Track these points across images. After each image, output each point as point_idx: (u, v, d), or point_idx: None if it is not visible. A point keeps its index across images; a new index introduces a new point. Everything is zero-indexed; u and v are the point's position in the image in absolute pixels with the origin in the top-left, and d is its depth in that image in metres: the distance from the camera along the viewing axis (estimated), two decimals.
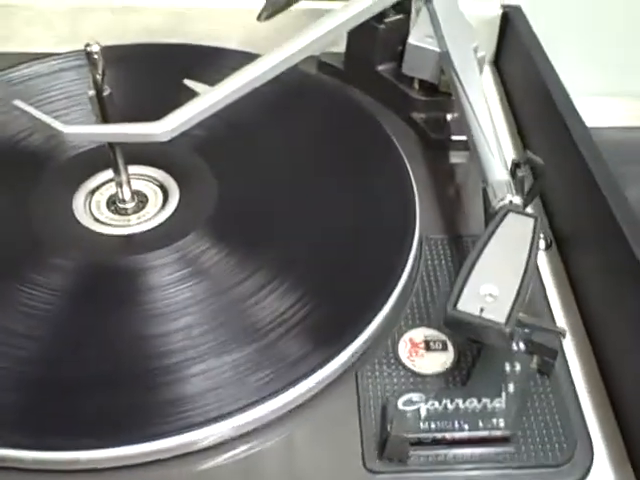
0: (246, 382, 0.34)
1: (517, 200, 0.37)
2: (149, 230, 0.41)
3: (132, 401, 0.33)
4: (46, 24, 0.55)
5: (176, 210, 0.42)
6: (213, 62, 0.50)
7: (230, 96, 0.39)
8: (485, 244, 0.35)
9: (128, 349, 0.35)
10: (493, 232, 0.35)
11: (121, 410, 0.33)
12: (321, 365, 0.34)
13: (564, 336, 0.34)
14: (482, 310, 0.32)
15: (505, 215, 0.36)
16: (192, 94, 0.39)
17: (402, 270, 0.38)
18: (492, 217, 0.36)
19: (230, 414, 0.32)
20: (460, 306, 0.32)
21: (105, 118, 0.38)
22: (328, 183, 0.43)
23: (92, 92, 0.37)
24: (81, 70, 0.48)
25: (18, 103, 0.37)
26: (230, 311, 0.37)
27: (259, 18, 0.49)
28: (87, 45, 0.36)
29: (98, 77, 0.37)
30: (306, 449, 0.33)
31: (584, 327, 0.39)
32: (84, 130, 0.37)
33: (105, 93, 0.37)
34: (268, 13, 0.49)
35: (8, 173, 0.44)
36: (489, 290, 0.33)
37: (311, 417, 0.34)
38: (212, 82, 0.40)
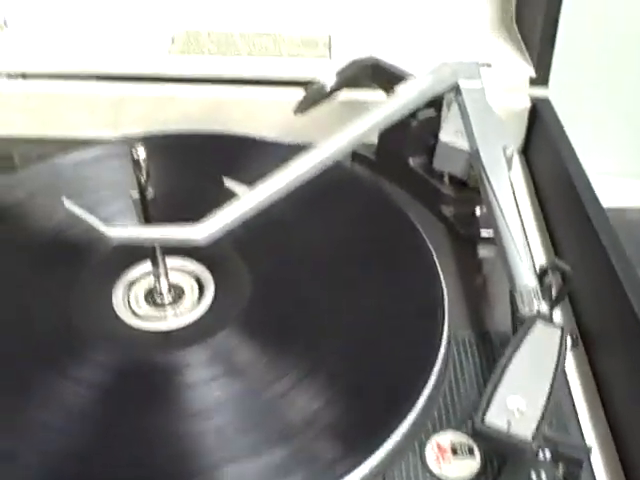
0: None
1: (544, 308, 0.37)
2: (185, 326, 0.42)
3: None
4: (89, 111, 0.58)
5: (211, 305, 0.43)
6: (253, 152, 0.51)
7: (269, 198, 0.40)
8: (513, 353, 0.35)
9: (161, 447, 0.36)
10: (521, 341, 0.36)
11: None
12: (349, 471, 0.35)
13: (590, 453, 0.34)
14: (509, 423, 0.32)
15: (533, 324, 0.36)
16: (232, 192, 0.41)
17: (431, 371, 0.39)
18: (520, 323, 0.37)
19: None
20: (488, 419, 0.33)
21: (147, 219, 0.40)
22: (359, 278, 0.44)
23: (136, 195, 0.39)
24: (124, 159, 0.50)
25: (66, 202, 0.39)
26: (261, 412, 0.37)
27: (296, 112, 0.51)
28: (132, 146, 0.38)
29: (142, 180, 0.38)
30: None
31: (610, 430, 0.39)
32: (127, 233, 0.39)
33: (149, 197, 0.39)
34: (305, 107, 0.51)
35: (50, 263, 0.45)
36: (516, 403, 0.33)
37: None
38: (252, 173, 0.42)
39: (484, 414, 0.33)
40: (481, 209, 0.49)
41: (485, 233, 0.48)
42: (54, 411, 0.37)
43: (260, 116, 0.57)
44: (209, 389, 0.38)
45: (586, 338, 0.43)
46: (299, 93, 0.56)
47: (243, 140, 0.53)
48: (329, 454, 0.36)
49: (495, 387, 0.34)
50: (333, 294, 0.43)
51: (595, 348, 0.43)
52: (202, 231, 0.38)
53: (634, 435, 0.37)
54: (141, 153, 0.38)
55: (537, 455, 0.34)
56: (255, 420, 0.37)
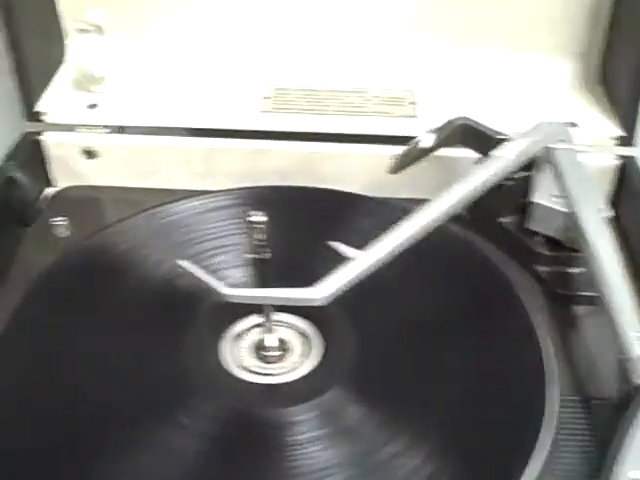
0: None
1: None
2: (291, 382, 0.43)
3: None
4: (184, 162, 0.60)
5: (318, 363, 0.44)
6: (351, 208, 0.53)
7: (382, 259, 0.41)
8: (627, 430, 0.36)
9: None
10: (634, 417, 0.36)
11: None
12: None
13: None
14: None
15: None
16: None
17: (542, 441, 0.39)
18: (630, 396, 0.38)
19: None
20: None
21: (262, 279, 0.41)
22: (462, 341, 0.45)
23: (251, 255, 0.40)
24: (226, 211, 0.52)
25: (182, 263, 0.41)
26: (366, 477, 0.37)
27: (391, 171, 0.52)
28: (249, 215, 0.39)
29: (260, 244, 0.40)
30: None
31: None
32: (244, 293, 0.40)
33: (266, 257, 0.40)
34: (401, 166, 0.52)
35: (160, 312, 0.46)
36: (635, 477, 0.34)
37: None
38: (352, 230, 0.42)
39: None
40: (578, 269, 0.50)
41: (584, 293, 0.49)
42: (162, 459, 0.38)
43: (348, 171, 0.59)
44: (315, 449, 0.39)
45: None
46: (386, 149, 0.58)
47: (338, 195, 0.54)
48: None
49: (612, 463, 0.34)
50: (439, 356, 0.44)
51: None
52: (320, 292, 0.39)
53: None
54: (259, 218, 0.39)
55: None
56: None
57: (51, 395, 0.41)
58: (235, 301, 0.40)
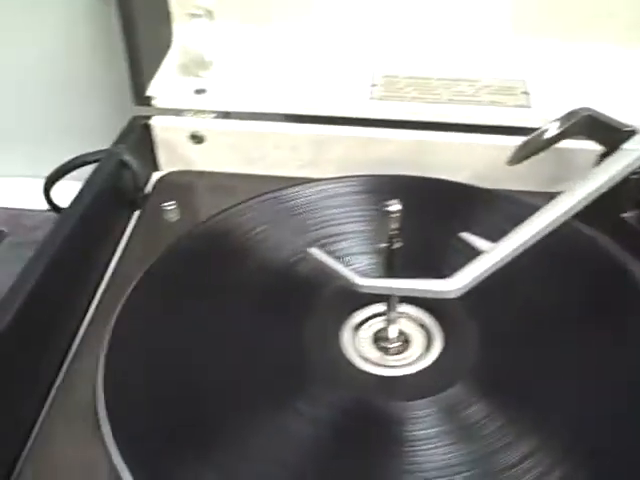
0: None
1: None
2: (412, 375, 0.42)
3: None
4: (291, 149, 0.59)
5: (439, 357, 0.43)
6: (474, 202, 0.52)
7: (512, 253, 0.40)
8: None
9: None
10: None
11: None
12: None
13: None
14: None
15: None
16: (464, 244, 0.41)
17: None
18: None
19: None
20: None
21: (391, 269, 0.40)
22: (586, 337, 0.43)
23: (384, 245, 0.40)
24: (348, 197, 0.52)
25: (313, 251, 0.40)
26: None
27: (511, 162, 0.51)
28: (385, 205, 0.38)
29: (393, 233, 0.39)
30: None
31: None
32: (377, 284, 0.39)
33: (397, 246, 0.39)
34: (522, 158, 0.51)
35: (282, 296, 0.46)
36: None
37: None
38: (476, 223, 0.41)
39: None
40: None
41: None
42: (280, 444, 0.38)
43: (458, 161, 0.57)
44: (428, 448, 0.38)
45: None
46: (498, 139, 0.57)
47: (457, 187, 0.53)
48: None
49: None
50: (564, 352, 0.43)
51: None
52: (454, 284, 0.38)
53: None
54: (395, 207, 0.38)
55: None
56: None
57: (168, 377, 0.41)
58: (368, 292, 0.39)
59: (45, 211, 0.73)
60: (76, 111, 0.75)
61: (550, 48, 0.63)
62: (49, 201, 0.60)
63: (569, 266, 0.48)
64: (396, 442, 0.38)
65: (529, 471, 0.36)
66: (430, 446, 0.38)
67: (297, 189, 0.53)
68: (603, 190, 0.45)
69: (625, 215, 0.51)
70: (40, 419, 0.41)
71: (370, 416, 0.40)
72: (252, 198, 0.52)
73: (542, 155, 0.54)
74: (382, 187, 0.53)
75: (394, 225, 0.39)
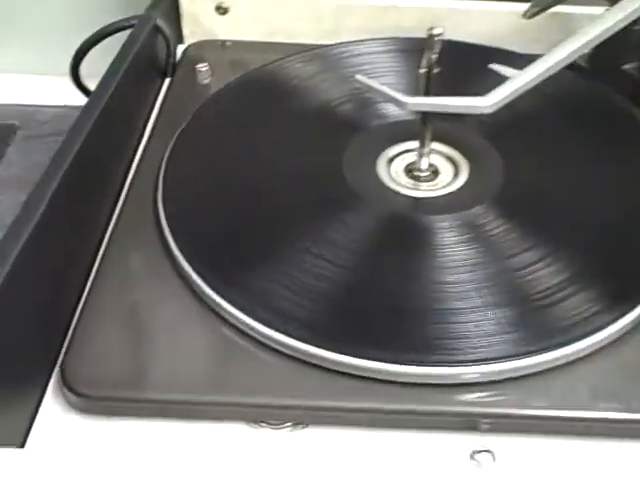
0: (560, 321, 0.39)
1: None
2: (440, 197, 0.47)
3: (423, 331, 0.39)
4: (314, 19, 0.62)
5: (465, 184, 0.48)
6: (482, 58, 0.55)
7: (534, 80, 0.44)
8: None
9: (415, 286, 0.41)
10: None
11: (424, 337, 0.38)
12: (618, 318, 0.39)
13: None
14: None
15: None
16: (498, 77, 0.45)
17: None
18: None
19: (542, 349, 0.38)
20: None
21: (428, 93, 0.44)
22: (599, 170, 0.48)
23: (423, 69, 0.44)
24: (377, 56, 0.56)
25: (359, 78, 0.44)
26: (514, 275, 0.41)
27: (525, 15, 0.55)
28: (431, 28, 0.42)
29: (434, 57, 0.43)
30: (611, 384, 0.38)
31: None
32: (422, 101, 0.43)
33: (435, 71, 0.43)
34: (535, 12, 0.55)
35: (326, 131, 0.51)
36: None
37: (613, 359, 0.39)
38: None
39: None
40: None
41: None
42: (330, 247, 0.43)
43: (468, 26, 0.61)
44: (459, 250, 0.43)
45: None
46: (508, 6, 0.60)
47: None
48: (598, 303, 0.40)
49: None
50: (574, 183, 0.47)
51: None
52: (488, 101, 0.43)
53: None
54: (437, 30, 0.42)
55: None
56: (506, 279, 0.41)
57: (224, 194, 0.46)
58: (414, 109, 0.43)
59: (55, 107, 0.76)
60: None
61: None
62: (76, 78, 0.62)
63: (577, 111, 0.53)
64: (428, 246, 0.43)
65: (541, 269, 0.42)
66: (455, 249, 0.43)
67: (328, 49, 0.57)
68: (611, 33, 0.49)
69: (626, 67, 0.56)
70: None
71: (406, 226, 0.45)
72: (288, 56, 0.56)
73: (552, 19, 0.58)
74: (406, 46, 0.57)
75: (437, 48, 0.43)
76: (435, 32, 0.42)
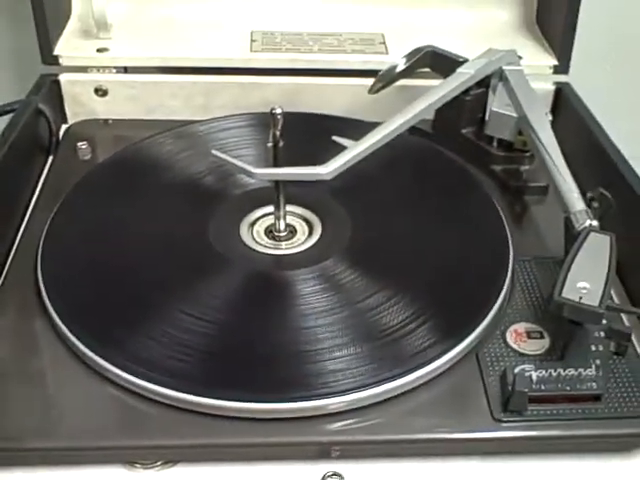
0: (399, 354, 0.45)
1: (595, 224, 0.48)
2: (298, 253, 0.53)
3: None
4: (186, 97, 0.68)
5: (319, 240, 0.54)
6: (338, 127, 0.62)
7: (370, 148, 0.51)
8: (574, 256, 0.46)
9: (281, 335, 0.46)
10: (580, 246, 0.47)
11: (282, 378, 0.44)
12: (452, 348, 0.45)
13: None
14: (580, 298, 0.43)
15: (588, 234, 0.47)
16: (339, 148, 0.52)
17: (504, 281, 0.50)
18: (576, 237, 0.48)
19: (387, 379, 0.43)
20: (564, 294, 0.43)
21: (277, 164, 0.50)
22: (434, 219, 0.55)
23: (270, 144, 0.50)
24: (236, 130, 0.62)
25: (215, 152, 0.50)
26: (364, 317, 0.47)
27: (370, 92, 0.62)
28: (272, 109, 0.48)
29: (277, 133, 0.49)
30: (443, 407, 0.44)
31: None
32: (269, 171, 0.49)
33: (280, 144, 0.50)
34: (378, 88, 0.62)
35: (193, 202, 0.56)
36: (583, 285, 0.44)
37: (444, 385, 0.45)
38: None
39: (560, 291, 0.44)
40: (526, 166, 0.61)
41: (532, 184, 0.59)
42: (196, 305, 0.48)
43: (329, 100, 0.68)
44: (316, 299, 0.49)
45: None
46: (362, 82, 0.68)
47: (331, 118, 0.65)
48: (431, 340, 0.46)
49: (565, 276, 0.45)
50: (417, 232, 0.54)
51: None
52: (327, 169, 0.49)
53: None
54: (278, 110, 0.49)
55: (602, 321, 0.44)
56: (355, 322, 0.47)
57: (98, 265, 0.51)
58: (262, 179, 0.50)
59: None
60: None
61: (403, 11, 0.75)
62: None
63: (420, 171, 0.60)
64: (289, 297, 0.49)
65: (395, 306, 0.48)
66: (314, 298, 0.49)
67: (195, 126, 0.64)
68: (442, 102, 0.57)
69: (464, 131, 0.63)
70: None
71: (269, 281, 0.51)
72: (158, 133, 0.61)
73: (396, 93, 0.66)
74: (264, 121, 0.63)
75: (278, 126, 0.49)
76: (276, 111, 0.48)
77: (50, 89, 0.68)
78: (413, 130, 0.65)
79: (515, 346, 0.47)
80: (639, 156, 0.59)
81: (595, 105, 0.67)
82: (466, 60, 0.62)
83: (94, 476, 0.41)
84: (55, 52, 0.68)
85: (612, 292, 0.50)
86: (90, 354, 0.44)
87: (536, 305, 0.50)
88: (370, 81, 0.66)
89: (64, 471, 0.41)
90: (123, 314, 0.47)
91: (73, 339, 0.45)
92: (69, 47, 0.69)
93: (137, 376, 0.43)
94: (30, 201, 0.59)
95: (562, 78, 0.70)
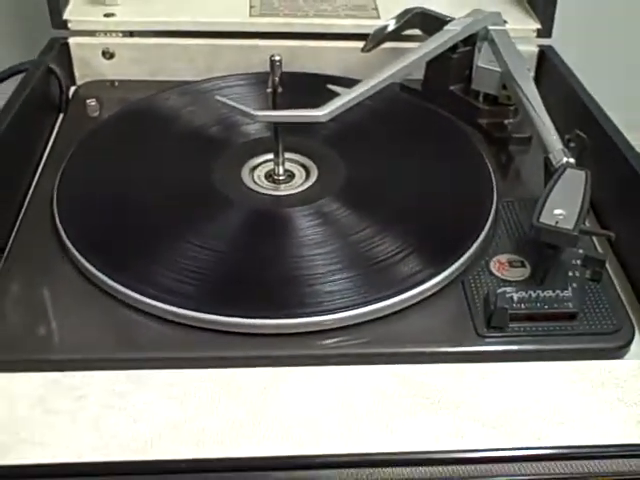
0: (390, 279, 0.49)
1: (572, 160, 0.52)
2: (296, 193, 0.57)
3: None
4: (189, 60, 0.72)
5: (315, 183, 0.58)
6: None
7: (362, 95, 0.55)
8: (552, 188, 0.50)
9: (282, 262, 0.50)
10: (557, 180, 0.50)
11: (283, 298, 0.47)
12: (437, 273, 0.49)
13: (613, 238, 0.49)
14: (557, 222, 0.47)
15: (565, 170, 0.51)
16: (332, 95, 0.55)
17: (487, 218, 0.53)
18: (553, 174, 0.52)
19: (377, 299, 0.47)
20: (542, 220, 0.47)
21: (275, 108, 0.54)
22: (423, 165, 0.59)
23: (270, 89, 0.53)
24: (240, 88, 0.67)
25: (219, 98, 0.53)
26: (356, 247, 0.51)
27: (363, 50, 0.66)
28: (272, 56, 0.52)
29: (276, 79, 0.53)
30: (431, 326, 0.48)
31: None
32: (268, 113, 0.53)
33: (279, 91, 0.53)
34: (370, 46, 0.66)
35: (196, 151, 0.60)
36: (559, 212, 0.48)
37: (432, 308, 0.49)
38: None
39: (538, 217, 0.47)
40: (509, 120, 0.65)
41: (516, 135, 0.63)
42: (202, 237, 0.51)
43: (324, 62, 0.72)
44: (313, 232, 0.52)
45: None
46: (356, 44, 0.71)
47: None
48: (419, 266, 0.50)
49: (543, 204, 0.48)
50: (407, 176, 0.58)
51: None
52: (323, 111, 0.53)
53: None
54: (277, 57, 0.52)
55: (576, 244, 0.48)
56: (350, 251, 0.51)
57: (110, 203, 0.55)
58: (261, 120, 0.53)
59: None
60: None
61: None
62: None
63: (406, 122, 0.64)
64: (288, 230, 0.53)
65: (385, 238, 0.52)
66: (311, 230, 0.53)
67: (198, 84, 0.68)
68: (429, 57, 0.61)
69: (452, 87, 0.67)
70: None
71: (269, 217, 0.54)
72: (163, 90, 0.66)
73: (386, 53, 0.69)
74: (263, 79, 0.66)
75: (277, 73, 0.53)
76: (275, 59, 0.52)
77: (60, 51, 0.71)
78: (404, 88, 0.69)
79: (498, 274, 0.51)
80: (615, 109, 0.62)
81: (576, 67, 0.70)
82: (452, 18, 0.65)
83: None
84: (64, 17, 0.71)
85: (586, 222, 0.53)
86: (101, 276, 0.48)
87: (518, 240, 0.53)
88: (361, 44, 0.70)
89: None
90: (134, 245, 0.51)
91: (87, 265, 0.49)
92: (77, 12, 0.72)
93: (147, 295, 0.47)
94: (43, 155, 0.63)
95: (545, 42, 0.74)
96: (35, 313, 0.47)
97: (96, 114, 0.67)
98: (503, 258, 0.52)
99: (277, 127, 0.55)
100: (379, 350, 0.46)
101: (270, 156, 0.59)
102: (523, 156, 0.63)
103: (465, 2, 0.74)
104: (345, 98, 0.54)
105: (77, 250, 0.50)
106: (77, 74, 0.73)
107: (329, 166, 0.59)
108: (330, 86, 0.56)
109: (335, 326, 0.46)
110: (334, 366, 0.44)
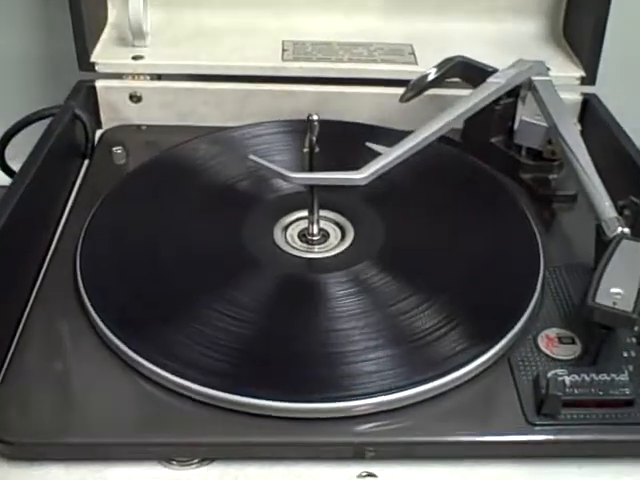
0: (431, 358, 0.45)
1: (627, 230, 0.49)
2: (331, 257, 0.54)
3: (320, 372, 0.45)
4: (218, 104, 0.70)
5: (351, 245, 0.55)
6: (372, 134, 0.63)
7: (403, 155, 0.52)
8: (608, 261, 0.47)
9: (314, 336, 0.47)
10: (612, 253, 0.47)
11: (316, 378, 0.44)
12: (481, 354, 0.46)
13: None
14: (614, 303, 0.44)
15: (620, 241, 0.48)
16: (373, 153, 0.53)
17: (535, 288, 0.50)
18: (607, 245, 0.49)
19: (415, 383, 0.44)
20: (597, 299, 0.44)
21: (312, 169, 0.51)
22: (465, 226, 0.56)
23: (306, 149, 0.51)
24: (271, 137, 0.64)
25: (252, 157, 0.51)
26: (395, 320, 0.48)
27: (402, 100, 0.63)
28: (309, 115, 0.49)
29: (314, 139, 0.50)
30: (476, 411, 0.44)
31: None
32: (305, 175, 0.50)
33: (316, 150, 0.51)
34: (409, 96, 0.63)
35: (227, 206, 0.57)
36: (617, 291, 0.45)
37: (477, 388, 0.46)
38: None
39: (594, 297, 0.44)
40: (554, 175, 0.62)
41: (561, 193, 0.60)
42: (230, 305, 0.48)
43: (359, 108, 0.69)
44: (348, 302, 0.49)
45: None
46: (391, 91, 0.69)
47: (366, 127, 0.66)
48: (465, 344, 0.46)
49: (598, 281, 0.45)
50: (449, 238, 0.55)
51: None
52: (362, 174, 0.50)
53: None
54: (315, 117, 0.50)
55: (635, 327, 0.45)
56: (386, 325, 0.48)
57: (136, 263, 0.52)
58: (298, 183, 0.50)
59: None
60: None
61: (430, 23, 0.76)
62: (2, 161, 0.68)
63: (448, 178, 0.61)
64: (323, 299, 0.50)
65: (427, 310, 0.49)
66: (346, 300, 0.50)
67: (229, 131, 0.65)
68: (473, 111, 0.58)
69: (493, 140, 0.64)
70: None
71: (302, 283, 0.52)
72: (193, 138, 0.63)
73: (426, 103, 0.67)
74: (296, 127, 0.64)
75: (315, 132, 0.50)
76: (313, 118, 0.49)
77: (86, 95, 0.69)
78: (442, 139, 0.66)
79: (547, 351, 0.47)
80: None
81: (620, 115, 0.67)
82: (496, 70, 0.62)
83: (130, 472, 0.42)
84: (92, 59, 0.69)
85: None
86: (126, 349, 0.45)
87: (567, 311, 0.50)
88: (398, 90, 0.67)
89: (100, 466, 0.41)
90: (159, 312, 0.48)
91: (109, 334, 0.46)
92: (105, 54, 0.70)
93: (172, 373, 0.44)
94: (66, 204, 0.60)
95: (589, 89, 0.71)
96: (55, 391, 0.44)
97: (122, 162, 0.64)
98: (552, 333, 0.49)
99: (313, 187, 0.52)
100: (418, 439, 0.43)
101: (303, 213, 0.56)
102: (568, 214, 0.60)
103: (505, 48, 0.72)
104: (386, 159, 0.51)
105: (100, 319, 0.47)
106: (103, 117, 0.71)
107: (365, 226, 0.56)
108: (369, 144, 0.53)
109: (372, 411, 0.43)
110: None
